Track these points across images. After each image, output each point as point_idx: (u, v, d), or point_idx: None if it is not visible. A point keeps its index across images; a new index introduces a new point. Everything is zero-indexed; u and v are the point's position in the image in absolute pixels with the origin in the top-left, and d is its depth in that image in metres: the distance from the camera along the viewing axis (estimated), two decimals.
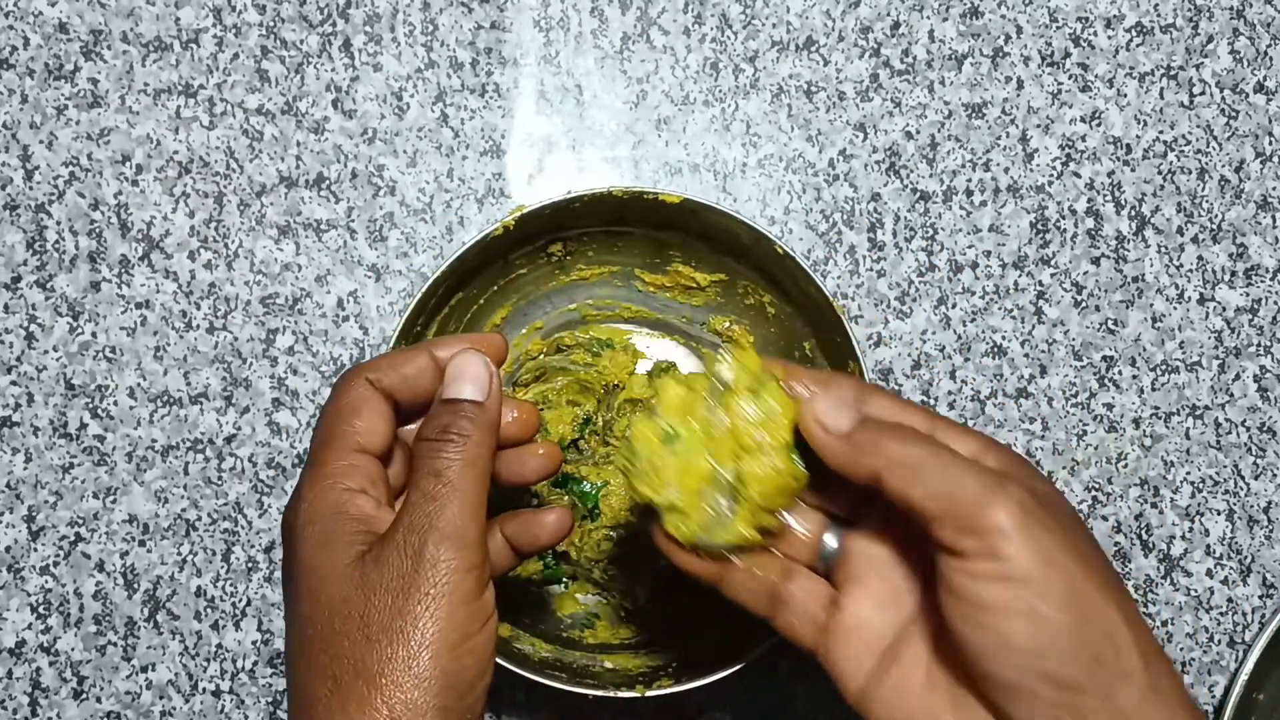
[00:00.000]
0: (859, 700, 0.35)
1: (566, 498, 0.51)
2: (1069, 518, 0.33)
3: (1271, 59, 0.57)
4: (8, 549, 0.53)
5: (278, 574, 0.53)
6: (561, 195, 0.47)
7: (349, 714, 0.32)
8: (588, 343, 0.54)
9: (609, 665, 0.49)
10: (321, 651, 0.33)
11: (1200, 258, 0.56)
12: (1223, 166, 0.57)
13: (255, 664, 0.53)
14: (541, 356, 0.54)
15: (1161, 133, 0.57)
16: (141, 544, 0.53)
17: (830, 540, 0.37)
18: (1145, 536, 0.55)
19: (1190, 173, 0.57)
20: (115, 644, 0.53)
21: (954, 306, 0.56)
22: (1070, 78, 0.57)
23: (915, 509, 0.32)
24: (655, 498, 0.36)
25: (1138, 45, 0.57)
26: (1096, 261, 0.56)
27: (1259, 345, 0.56)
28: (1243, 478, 0.56)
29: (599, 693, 0.46)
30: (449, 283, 0.48)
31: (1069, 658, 0.30)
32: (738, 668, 0.46)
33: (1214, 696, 0.55)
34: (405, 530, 0.34)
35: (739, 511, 0.35)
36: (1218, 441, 0.56)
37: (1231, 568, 0.55)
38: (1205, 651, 0.55)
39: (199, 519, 0.53)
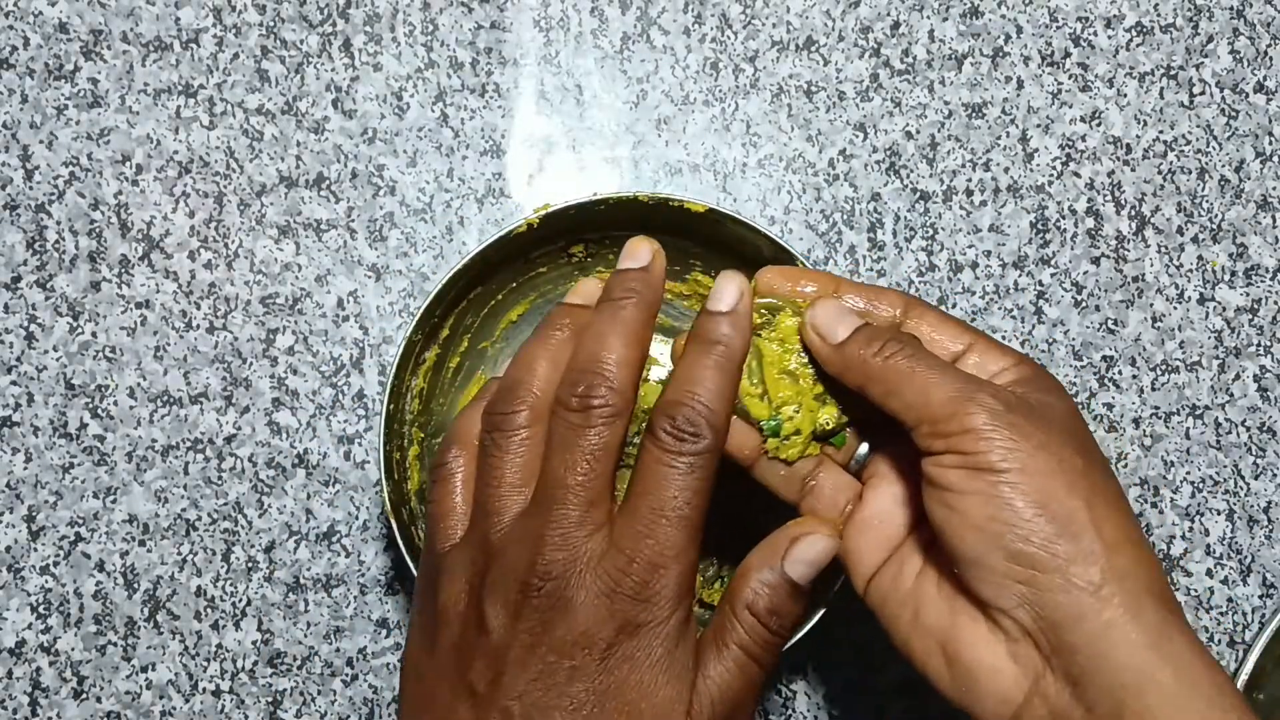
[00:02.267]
0: (865, 590, 0.38)
1: None
2: (1058, 425, 0.34)
3: (1271, 59, 0.57)
4: (8, 549, 0.53)
5: (278, 574, 0.53)
6: (587, 197, 0.47)
7: None
8: None
9: None
10: None
11: (1200, 258, 0.56)
12: (1223, 166, 0.57)
13: (255, 664, 0.53)
14: None
15: (1161, 133, 0.57)
16: (141, 544, 0.53)
17: (862, 447, 0.40)
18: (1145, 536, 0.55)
19: (1190, 173, 0.57)
20: (115, 644, 0.53)
21: (954, 306, 0.56)
22: (1070, 78, 0.57)
23: (897, 418, 0.35)
24: (764, 420, 0.38)
25: (1138, 45, 0.57)
26: (1096, 261, 0.56)
27: (1259, 345, 0.56)
28: (1243, 478, 0.56)
29: None
30: (469, 276, 0.48)
31: (1026, 536, 0.32)
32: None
33: None
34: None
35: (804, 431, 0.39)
36: (1218, 441, 0.56)
37: (1231, 568, 0.55)
38: None
39: (199, 519, 0.53)
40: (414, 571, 0.46)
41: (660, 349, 0.54)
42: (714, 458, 0.34)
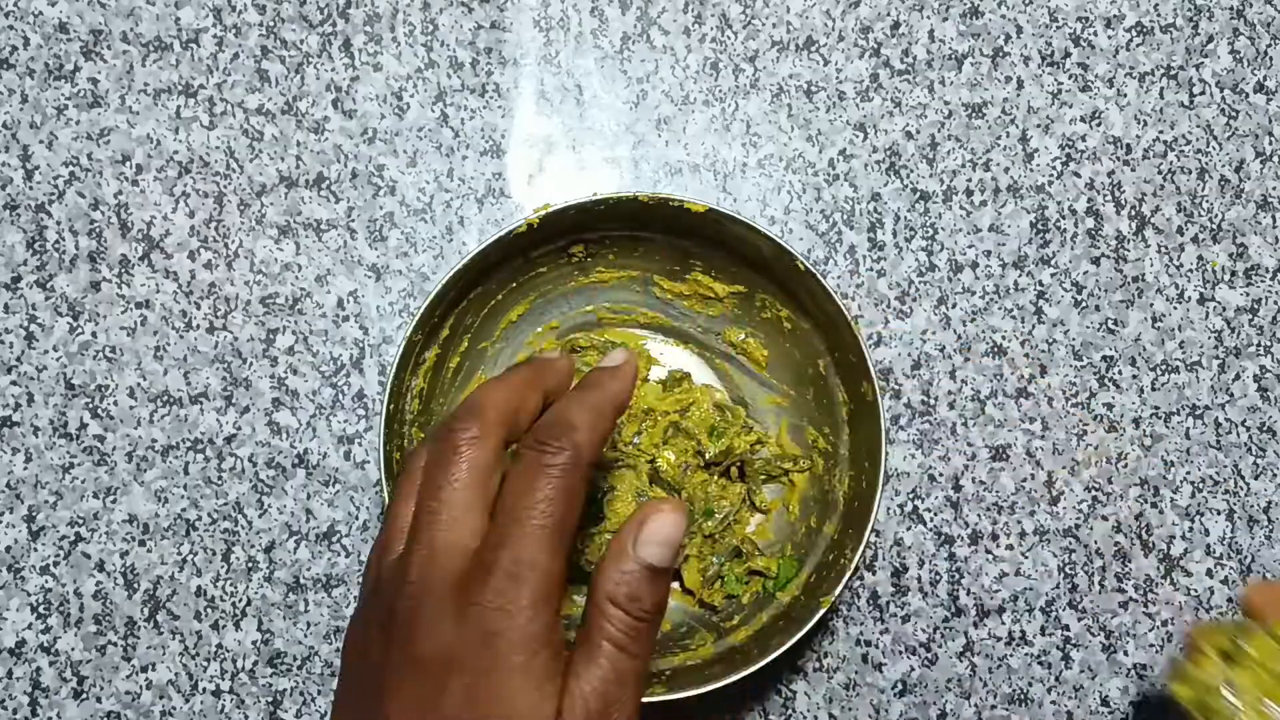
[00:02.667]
0: None
1: None
2: None
3: (1271, 59, 0.57)
4: (8, 549, 0.53)
5: (278, 574, 0.53)
6: (586, 197, 0.47)
7: None
8: (602, 345, 0.54)
9: None
10: None
11: (1200, 258, 0.56)
12: (1223, 166, 0.57)
13: (255, 664, 0.53)
14: None
15: (1161, 133, 0.57)
16: (141, 544, 0.53)
17: None
18: (1145, 536, 0.55)
19: (1190, 173, 0.57)
20: (115, 644, 0.53)
21: (954, 306, 0.56)
22: (1070, 78, 0.57)
23: None
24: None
25: (1138, 45, 0.57)
26: (1096, 261, 0.56)
27: (1259, 345, 0.56)
28: (1243, 478, 0.56)
29: None
30: (469, 276, 0.48)
31: None
32: (730, 680, 0.46)
33: None
34: None
35: None
36: (1218, 441, 0.56)
37: (1231, 568, 0.55)
38: None
39: (199, 519, 0.53)
40: None
41: (660, 349, 0.54)
42: (574, 472, 0.34)
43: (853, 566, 0.46)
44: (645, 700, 0.46)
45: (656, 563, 0.34)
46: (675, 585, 0.53)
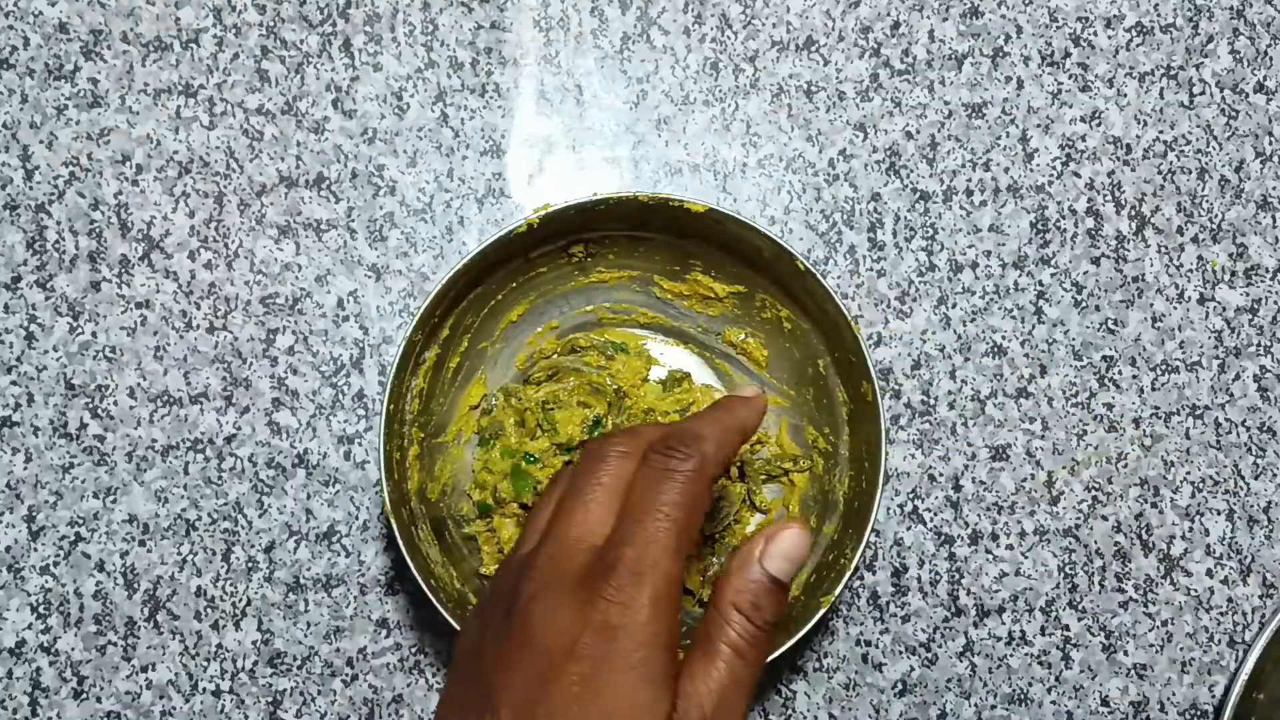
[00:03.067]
0: None
1: None
2: None
3: (1271, 59, 0.57)
4: (8, 549, 0.53)
5: (278, 574, 0.53)
6: (587, 197, 0.47)
7: None
8: (602, 345, 0.54)
9: None
10: None
11: (1200, 258, 0.56)
12: (1223, 166, 0.57)
13: (255, 664, 0.53)
14: (555, 356, 0.54)
15: (1161, 133, 0.57)
16: (141, 544, 0.53)
17: None
18: (1145, 536, 0.55)
19: (1190, 173, 0.57)
20: (115, 644, 0.53)
21: (954, 306, 0.56)
22: (1070, 78, 0.57)
23: None
24: None
25: (1138, 45, 0.57)
26: (1096, 261, 0.56)
27: (1259, 345, 0.56)
28: (1243, 478, 0.56)
29: None
30: (469, 276, 0.48)
31: None
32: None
33: (1214, 696, 0.55)
34: None
35: None
36: (1218, 441, 0.56)
37: (1231, 568, 0.55)
38: (1205, 651, 0.55)
39: (199, 519, 0.53)
40: (414, 571, 0.46)
41: (660, 349, 0.54)
42: (699, 478, 0.35)
43: (853, 566, 0.46)
44: None
45: (781, 576, 0.35)
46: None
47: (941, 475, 0.55)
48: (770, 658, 0.46)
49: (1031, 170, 0.56)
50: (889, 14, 0.56)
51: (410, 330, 0.47)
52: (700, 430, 0.36)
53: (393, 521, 0.46)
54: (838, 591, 0.46)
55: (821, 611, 0.46)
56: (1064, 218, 0.56)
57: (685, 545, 0.34)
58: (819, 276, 0.47)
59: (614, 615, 0.32)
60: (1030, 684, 0.54)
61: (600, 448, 0.37)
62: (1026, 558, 0.55)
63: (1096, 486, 0.55)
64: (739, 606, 0.34)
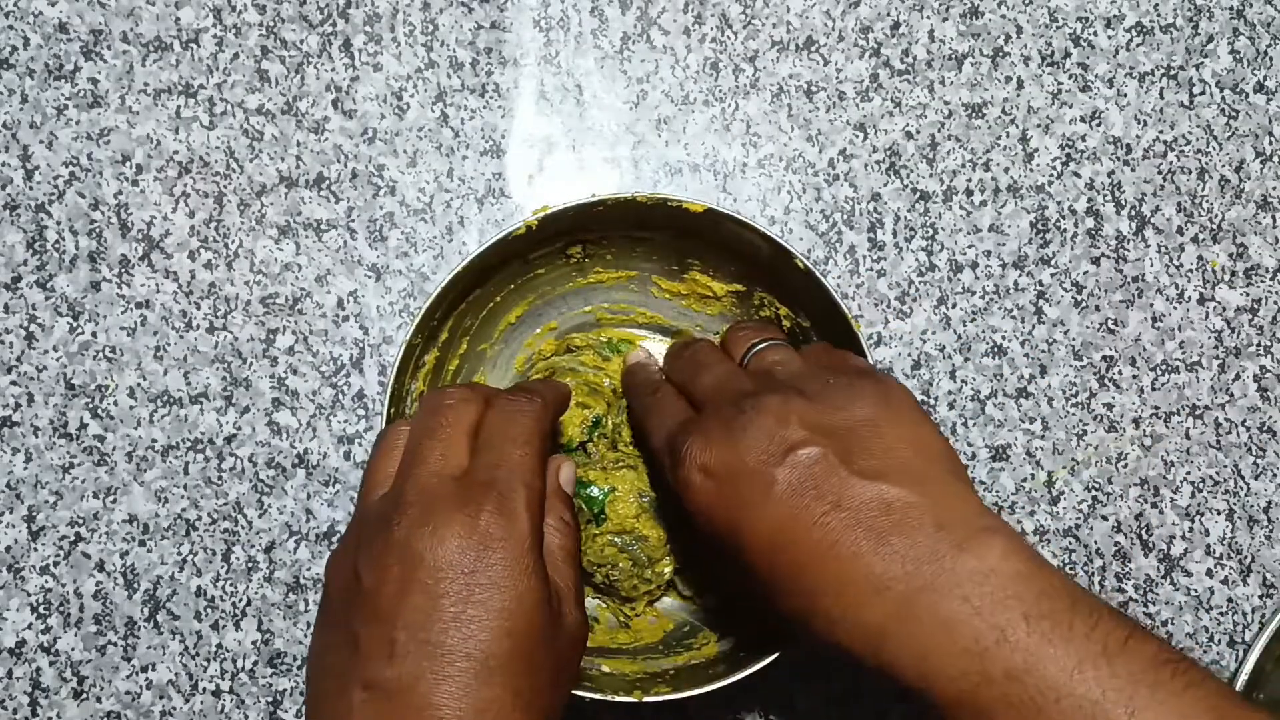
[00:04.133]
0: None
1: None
2: (742, 492, 0.38)
3: (1271, 59, 0.57)
4: (8, 549, 0.53)
5: (278, 574, 0.53)
6: (585, 198, 0.47)
7: None
8: (598, 345, 0.54)
9: (606, 670, 0.49)
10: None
11: (1200, 258, 0.56)
12: (1223, 166, 0.57)
13: (255, 664, 0.53)
14: (553, 357, 0.54)
15: (1161, 133, 0.57)
16: (141, 544, 0.53)
17: None
18: (1145, 536, 0.55)
19: (1190, 173, 0.57)
20: (115, 644, 0.53)
21: (954, 306, 0.56)
22: (1070, 78, 0.57)
23: None
24: None
25: (1138, 45, 0.57)
26: (1096, 261, 0.56)
27: (1259, 345, 0.56)
28: (1243, 478, 0.56)
29: (596, 696, 0.46)
30: (468, 278, 0.48)
31: (779, 591, 0.37)
32: (735, 679, 0.46)
33: None
34: None
35: None
36: (1218, 441, 0.56)
37: (1231, 568, 0.55)
38: (1205, 651, 0.55)
39: (199, 519, 0.53)
40: None
41: (659, 349, 0.54)
42: (544, 417, 0.41)
43: None
44: (651, 700, 0.46)
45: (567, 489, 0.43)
46: (675, 590, 0.53)
47: None
48: (773, 656, 0.46)
49: (1031, 170, 0.56)
50: (889, 14, 0.56)
51: (409, 334, 0.47)
52: (533, 386, 0.42)
53: None
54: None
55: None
56: (1064, 218, 0.56)
57: (542, 468, 0.39)
58: (819, 275, 0.47)
59: (496, 526, 0.36)
60: None
61: (439, 397, 0.41)
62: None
63: (1096, 486, 0.55)
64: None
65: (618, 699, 0.46)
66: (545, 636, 0.36)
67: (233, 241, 0.54)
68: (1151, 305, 0.56)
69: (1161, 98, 0.57)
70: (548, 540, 0.39)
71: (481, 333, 0.52)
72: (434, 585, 0.35)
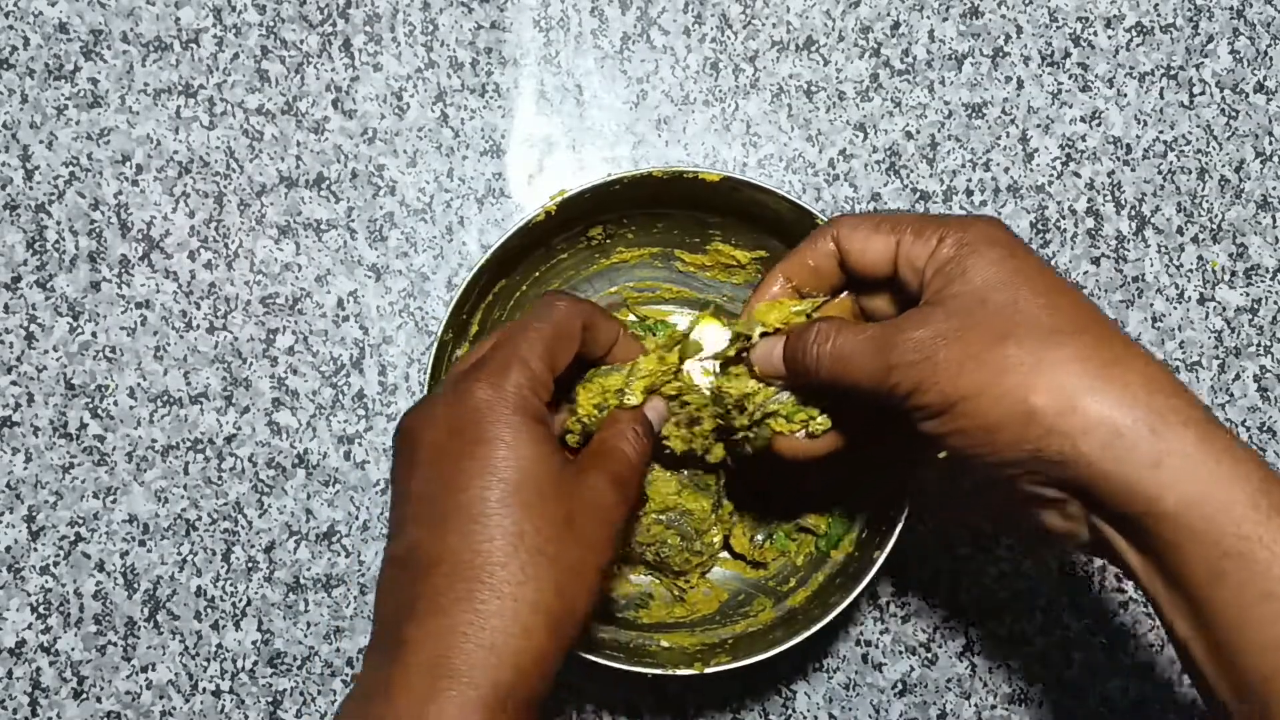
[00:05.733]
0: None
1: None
2: (974, 294, 0.36)
3: (1271, 59, 0.57)
4: (8, 549, 0.53)
5: (278, 574, 0.53)
6: (601, 178, 0.47)
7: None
8: (629, 325, 0.54)
9: (665, 644, 0.49)
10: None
11: (1200, 258, 0.56)
12: (1223, 166, 0.57)
13: (255, 664, 0.53)
14: None
15: (1161, 133, 0.57)
16: (141, 544, 0.53)
17: None
18: None
19: (1190, 173, 0.57)
20: (115, 644, 0.53)
21: None
22: (1070, 78, 0.57)
23: (855, 395, 0.38)
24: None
25: (1138, 45, 0.57)
26: (1096, 261, 0.56)
27: (1259, 345, 0.56)
28: None
29: (658, 671, 0.46)
30: (492, 271, 0.48)
31: (998, 449, 0.35)
32: (794, 643, 0.46)
33: None
34: None
35: None
36: None
37: None
38: None
39: (199, 519, 0.53)
40: None
41: (686, 322, 0.52)
42: (570, 316, 0.40)
43: (902, 519, 0.46)
44: (712, 670, 0.46)
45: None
46: (725, 555, 0.53)
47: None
48: (832, 615, 0.46)
49: (1031, 170, 0.56)
50: (889, 14, 0.56)
51: (441, 330, 0.47)
52: (561, 302, 0.42)
53: None
54: (890, 544, 0.46)
55: (878, 564, 0.46)
56: (1064, 218, 0.56)
57: (547, 359, 0.38)
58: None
59: (483, 390, 0.36)
60: (1030, 684, 0.54)
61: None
62: (1027, 558, 0.55)
63: None
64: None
65: (679, 672, 0.46)
66: (550, 493, 0.36)
67: (233, 241, 0.54)
68: (1151, 305, 0.56)
69: (1161, 98, 0.57)
70: (611, 437, 0.40)
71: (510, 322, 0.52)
72: (430, 456, 0.36)
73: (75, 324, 0.54)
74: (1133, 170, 0.57)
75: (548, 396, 0.38)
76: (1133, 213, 0.56)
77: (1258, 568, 0.32)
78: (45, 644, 0.53)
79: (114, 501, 0.53)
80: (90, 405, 0.53)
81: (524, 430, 0.36)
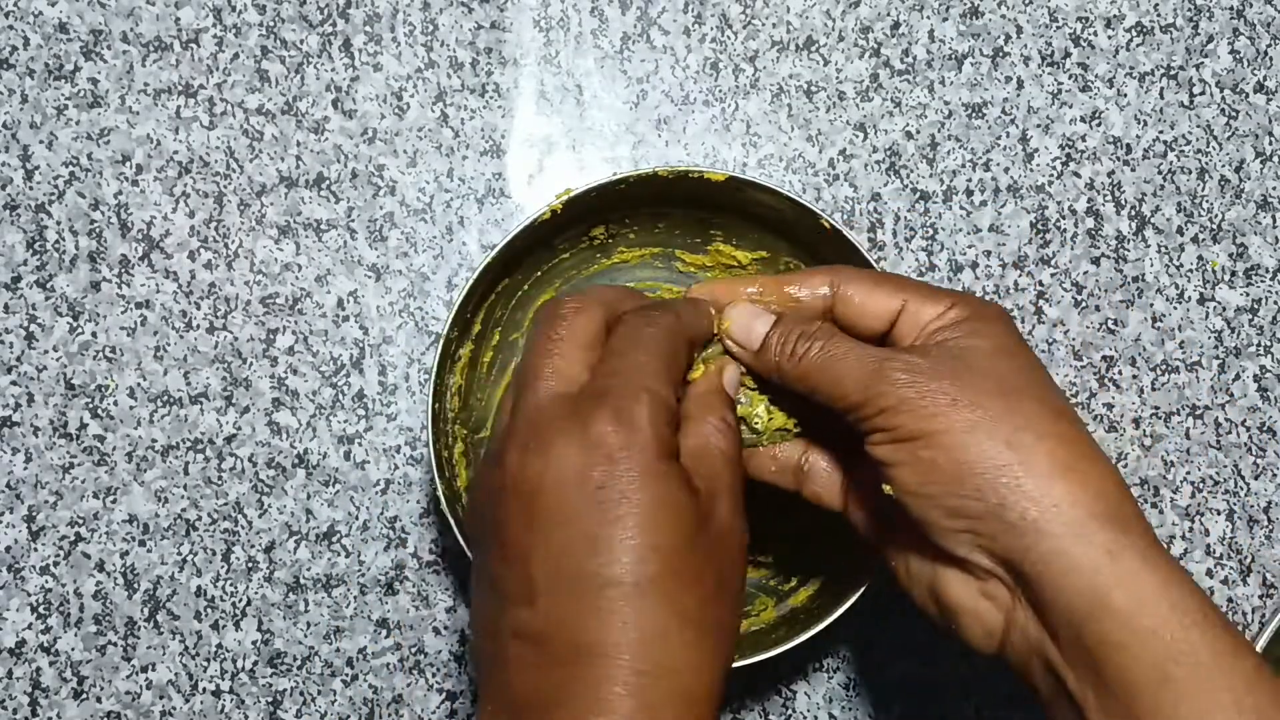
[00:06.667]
0: (881, 551, 0.41)
1: None
2: (979, 369, 0.35)
3: (1271, 59, 0.57)
4: (8, 549, 0.53)
5: (278, 574, 0.53)
6: (607, 178, 0.47)
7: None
8: None
9: None
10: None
11: (1200, 258, 0.56)
12: (1223, 166, 0.57)
13: (255, 664, 0.53)
14: None
15: (1161, 133, 0.57)
16: (141, 544, 0.53)
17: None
18: None
19: (1190, 173, 0.57)
20: (115, 644, 0.53)
21: None
22: (1070, 78, 0.57)
23: (824, 405, 0.37)
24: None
25: (1138, 45, 0.57)
26: (1096, 261, 0.56)
27: (1259, 345, 0.56)
28: (1243, 478, 0.56)
29: None
30: (495, 269, 0.48)
31: (955, 493, 0.34)
32: (798, 642, 0.46)
33: None
34: None
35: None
36: (1218, 441, 0.56)
37: (1231, 568, 0.55)
38: None
39: (199, 519, 0.53)
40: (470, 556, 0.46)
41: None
42: (677, 331, 0.37)
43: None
44: (740, 664, 0.46)
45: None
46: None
47: None
48: (838, 613, 0.46)
49: (1031, 170, 0.56)
50: (889, 14, 0.56)
51: (446, 327, 0.47)
52: (670, 302, 0.39)
53: (450, 519, 0.46)
54: (854, 598, 0.46)
55: (832, 617, 0.46)
56: (1064, 218, 0.56)
57: (672, 378, 0.35)
58: (847, 234, 0.47)
59: (615, 437, 0.32)
60: None
61: (552, 307, 0.37)
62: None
63: None
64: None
65: None
66: (699, 547, 0.33)
67: (233, 241, 0.54)
68: (1151, 305, 0.56)
69: (1161, 98, 0.57)
70: (704, 441, 0.35)
71: (512, 323, 0.52)
72: (559, 512, 0.32)
73: (75, 324, 0.54)
74: (1133, 170, 0.57)
75: (677, 423, 0.35)
76: (1133, 213, 0.56)
77: (1202, 672, 0.32)
78: (45, 644, 0.53)
79: (114, 501, 0.53)
80: (90, 405, 0.53)
81: (668, 481, 0.32)
